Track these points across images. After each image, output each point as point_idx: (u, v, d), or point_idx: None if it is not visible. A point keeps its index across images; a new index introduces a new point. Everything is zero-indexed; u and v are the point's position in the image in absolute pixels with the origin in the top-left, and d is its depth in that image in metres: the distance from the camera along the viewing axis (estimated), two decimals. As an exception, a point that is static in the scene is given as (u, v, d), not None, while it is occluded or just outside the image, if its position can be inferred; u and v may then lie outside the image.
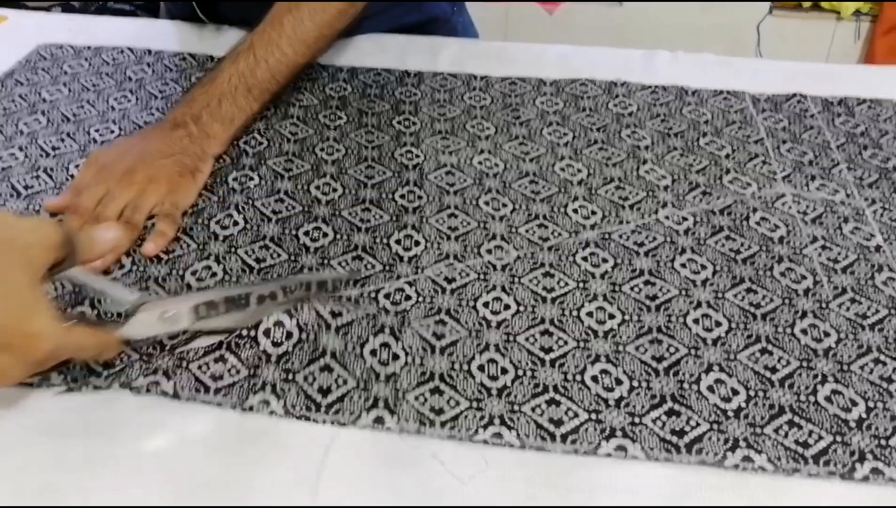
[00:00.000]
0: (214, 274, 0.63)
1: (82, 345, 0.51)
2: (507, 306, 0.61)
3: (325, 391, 0.54)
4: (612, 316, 0.60)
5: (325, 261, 0.64)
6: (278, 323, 0.57)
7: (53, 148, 0.77)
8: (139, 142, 0.73)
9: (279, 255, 0.65)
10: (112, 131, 0.80)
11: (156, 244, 0.64)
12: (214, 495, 0.48)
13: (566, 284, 0.63)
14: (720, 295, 0.62)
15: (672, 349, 0.58)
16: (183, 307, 0.53)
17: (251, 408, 0.53)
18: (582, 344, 0.58)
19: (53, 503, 0.47)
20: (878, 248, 0.68)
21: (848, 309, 0.61)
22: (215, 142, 0.75)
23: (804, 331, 0.59)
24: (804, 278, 0.64)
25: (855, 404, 0.54)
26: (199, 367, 0.54)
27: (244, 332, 0.56)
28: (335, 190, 0.73)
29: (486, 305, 0.61)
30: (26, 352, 0.47)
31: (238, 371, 0.54)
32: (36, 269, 0.48)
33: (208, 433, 0.51)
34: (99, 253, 0.57)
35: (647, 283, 0.63)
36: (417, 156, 0.77)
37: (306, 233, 0.67)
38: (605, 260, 0.65)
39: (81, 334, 0.51)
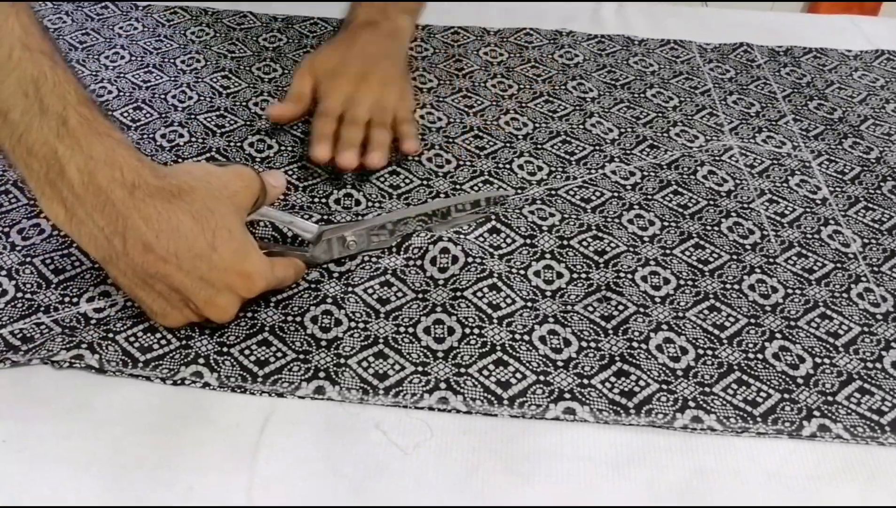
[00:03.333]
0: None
1: (282, 277, 0.54)
2: (455, 259, 0.59)
3: (262, 363, 0.51)
4: (560, 275, 0.59)
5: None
6: None
7: None
8: (350, 45, 0.73)
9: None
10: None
11: (384, 154, 0.67)
12: (144, 474, 0.45)
13: (514, 240, 0.61)
14: (668, 251, 0.61)
15: (621, 307, 0.57)
16: (358, 233, 0.58)
17: (183, 381, 0.50)
18: (530, 303, 0.56)
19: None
20: (824, 201, 0.67)
21: (794, 264, 0.61)
22: (407, 36, 0.74)
23: (752, 287, 0.59)
24: (752, 232, 0.63)
25: (802, 360, 0.54)
26: (127, 338, 0.51)
27: None
28: (270, 147, 0.69)
29: (433, 262, 0.59)
30: (243, 291, 0.51)
31: (169, 342, 0.52)
32: (243, 212, 0.53)
33: (136, 408, 0.48)
34: (276, 195, 0.59)
35: (595, 238, 0.62)
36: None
37: (241, 193, 0.64)
38: (552, 214, 0.63)
39: (281, 267, 0.54)
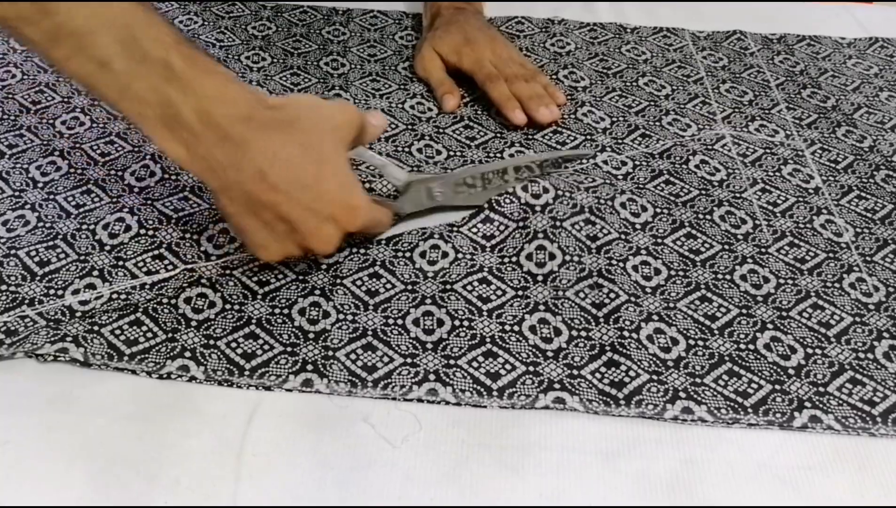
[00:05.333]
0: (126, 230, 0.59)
1: (378, 219, 0.56)
2: (444, 254, 0.58)
3: (249, 356, 0.51)
4: (552, 256, 0.58)
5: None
6: (201, 295, 0.53)
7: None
8: (456, 25, 0.77)
9: (199, 205, 0.61)
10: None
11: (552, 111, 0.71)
12: (129, 467, 0.45)
13: (506, 226, 0.61)
14: (660, 240, 0.61)
15: (612, 295, 0.56)
16: (445, 185, 0.59)
17: (169, 375, 0.49)
18: (521, 292, 0.56)
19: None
20: (816, 190, 0.67)
21: (787, 254, 0.61)
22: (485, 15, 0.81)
23: (743, 277, 0.58)
24: (744, 222, 0.63)
25: (794, 351, 0.53)
26: (113, 331, 0.51)
27: (164, 299, 0.53)
28: (259, 137, 0.69)
29: (422, 255, 0.58)
30: (346, 223, 0.52)
31: (155, 335, 0.51)
32: (345, 147, 0.53)
33: (121, 400, 0.48)
34: (377, 135, 0.59)
35: (587, 222, 0.61)
36: (346, 100, 0.73)
37: (229, 183, 0.63)
38: (546, 189, 0.63)
39: (378, 209, 0.56)
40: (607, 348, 0.53)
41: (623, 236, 0.61)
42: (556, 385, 0.50)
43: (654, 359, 0.52)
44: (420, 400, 0.49)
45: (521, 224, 0.60)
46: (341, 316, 0.53)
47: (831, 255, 0.61)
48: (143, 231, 0.58)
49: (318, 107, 0.53)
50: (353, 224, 0.52)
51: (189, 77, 0.47)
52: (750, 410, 0.49)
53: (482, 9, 0.83)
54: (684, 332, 0.54)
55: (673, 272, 0.58)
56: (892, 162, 0.70)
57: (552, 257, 0.58)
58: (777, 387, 0.51)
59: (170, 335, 0.51)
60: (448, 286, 0.56)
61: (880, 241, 0.62)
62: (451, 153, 0.68)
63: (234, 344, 0.51)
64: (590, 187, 0.64)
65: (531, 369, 0.51)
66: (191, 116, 0.47)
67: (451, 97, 0.73)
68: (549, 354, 0.52)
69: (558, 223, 0.60)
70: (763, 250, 0.61)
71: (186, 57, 0.47)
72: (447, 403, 0.49)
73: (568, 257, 0.58)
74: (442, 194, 0.60)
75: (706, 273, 0.58)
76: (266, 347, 0.51)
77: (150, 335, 0.51)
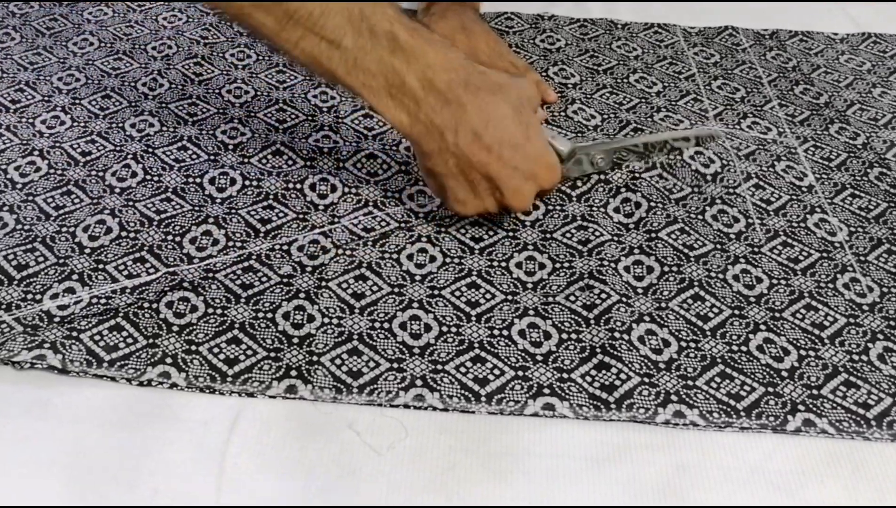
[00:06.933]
0: (109, 231, 0.57)
1: (557, 180, 0.58)
2: (432, 258, 0.57)
3: (231, 362, 0.49)
4: (542, 265, 0.57)
5: (233, 210, 0.59)
6: (183, 299, 0.52)
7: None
8: (463, 11, 0.79)
9: (181, 206, 0.60)
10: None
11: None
12: (107, 476, 0.44)
13: (495, 232, 0.60)
14: (654, 235, 0.60)
15: (604, 296, 0.55)
16: (606, 152, 0.64)
17: (149, 382, 0.48)
18: (510, 297, 0.55)
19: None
20: (810, 188, 0.66)
21: (780, 253, 0.60)
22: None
23: (736, 277, 0.57)
24: (736, 220, 0.62)
25: (787, 352, 0.52)
26: (92, 337, 0.50)
27: (145, 304, 0.52)
28: (244, 134, 0.67)
29: (409, 257, 0.57)
30: (544, 181, 0.56)
31: (135, 341, 0.50)
32: (534, 114, 0.57)
33: (99, 406, 0.47)
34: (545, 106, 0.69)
35: (579, 228, 0.60)
36: (333, 98, 0.72)
37: (212, 181, 0.62)
38: (535, 207, 0.62)
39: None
40: (598, 350, 0.52)
41: (615, 238, 0.60)
42: (546, 390, 0.49)
43: (646, 361, 0.51)
44: (407, 406, 0.48)
45: (509, 234, 0.59)
46: (326, 320, 0.52)
47: (825, 255, 0.60)
48: (124, 233, 0.57)
49: (512, 76, 0.57)
50: (550, 182, 0.57)
51: (412, 47, 0.51)
52: (742, 413, 0.49)
53: (479, 8, 0.82)
54: (676, 333, 0.53)
55: (666, 269, 0.57)
56: (886, 159, 0.69)
57: (542, 266, 0.57)
58: (770, 390, 0.50)
59: (150, 340, 0.50)
60: (436, 292, 0.55)
61: (874, 240, 0.61)
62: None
63: (216, 349, 0.50)
64: (580, 194, 0.63)
65: (520, 373, 0.50)
66: (414, 83, 0.51)
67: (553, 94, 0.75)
68: (539, 358, 0.51)
69: (549, 235, 0.60)
70: (756, 249, 0.60)
71: (409, 28, 0.51)
72: (434, 409, 0.48)
73: (558, 265, 0.57)
74: (603, 161, 0.64)
75: (700, 269, 0.58)
76: (249, 352, 0.50)
77: (130, 340, 0.50)
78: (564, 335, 0.53)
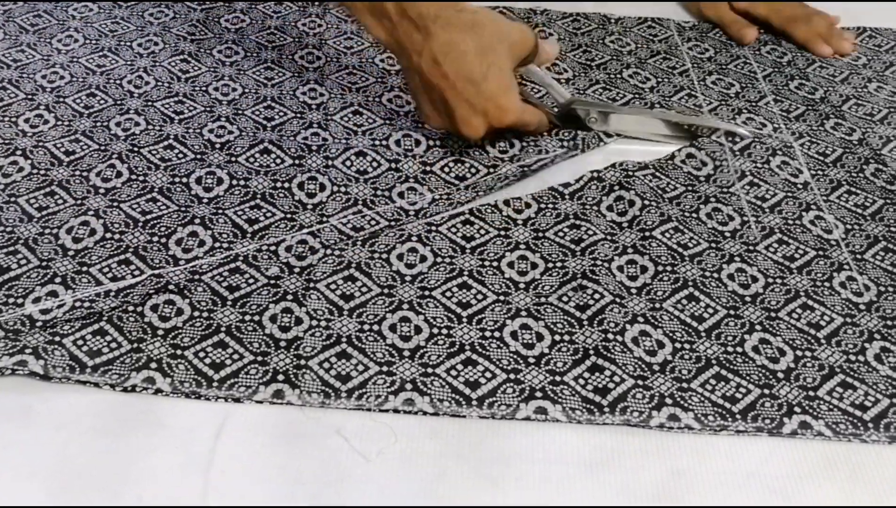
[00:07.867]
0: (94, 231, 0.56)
1: (527, 120, 0.64)
2: (423, 258, 0.56)
3: (217, 366, 0.48)
4: (534, 265, 0.56)
5: (220, 211, 0.58)
6: (168, 302, 0.51)
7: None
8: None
9: (167, 207, 0.59)
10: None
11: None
12: (90, 484, 0.43)
13: (487, 232, 0.59)
14: (648, 233, 0.59)
15: (597, 296, 0.54)
16: (603, 113, 0.67)
17: (133, 388, 0.47)
18: (502, 297, 0.54)
19: None
20: (805, 185, 0.65)
21: (775, 251, 0.59)
22: None
23: (731, 276, 0.57)
24: (731, 218, 0.61)
25: (783, 353, 0.52)
26: (75, 342, 0.49)
27: (129, 307, 0.51)
28: (231, 132, 0.66)
29: (399, 257, 0.56)
30: (494, 119, 0.61)
31: (119, 346, 0.49)
32: (515, 59, 0.63)
33: (82, 413, 0.46)
34: (549, 60, 0.71)
35: (572, 227, 0.59)
36: (322, 95, 0.71)
37: (198, 181, 0.61)
38: (528, 205, 0.61)
39: (529, 112, 0.64)
40: (591, 352, 0.51)
41: (609, 237, 0.59)
42: (538, 394, 0.48)
43: (640, 363, 0.50)
44: (396, 411, 0.47)
45: (501, 233, 0.59)
46: (314, 322, 0.51)
47: (821, 253, 0.59)
48: (108, 235, 0.56)
49: (500, 21, 0.62)
50: (500, 121, 0.61)
51: None
52: (738, 416, 0.48)
53: None
54: (670, 334, 0.52)
55: (660, 268, 0.56)
56: (882, 155, 0.68)
57: (534, 266, 0.56)
58: (766, 391, 0.49)
59: (135, 345, 0.49)
60: (427, 293, 0.54)
61: (871, 238, 0.60)
62: (432, 143, 0.66)
63: (202, 354, 0.49)
64: (573, 192, 0.62)
65: (512, 376, 0.49)
66: (391, 8, 0.59)
67: (750, 31, 0.82)
68: (531, 360, 0.50)
69: (541, 234, 0.59)
70: (751, 247, 0.59)
71: None
72: (424, 413, 0.47)
73: (551, 265, 0.56)
74: (597, 121, 0.66)
75: (694, 269, 0.57)
76: (235, 356, 0.49)
77: (114, 345, 0.49)
78: (557, 337, 0.52)
